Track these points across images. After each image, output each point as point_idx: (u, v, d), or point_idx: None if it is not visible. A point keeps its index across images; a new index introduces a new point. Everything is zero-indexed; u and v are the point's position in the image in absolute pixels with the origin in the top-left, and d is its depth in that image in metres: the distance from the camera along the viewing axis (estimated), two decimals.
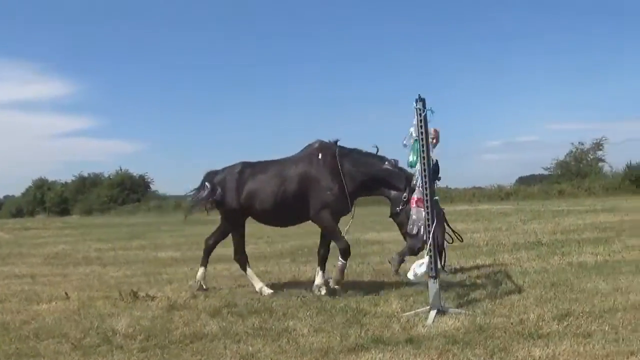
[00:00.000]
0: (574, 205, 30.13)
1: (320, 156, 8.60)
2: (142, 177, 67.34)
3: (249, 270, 9.11)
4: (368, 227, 19.96)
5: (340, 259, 8.43)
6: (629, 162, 46.92)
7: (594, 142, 53.38)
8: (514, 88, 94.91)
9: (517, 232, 16.60)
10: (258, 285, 8.87)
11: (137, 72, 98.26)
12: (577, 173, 50.47)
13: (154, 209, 56.23)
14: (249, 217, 9.11)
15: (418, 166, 7.27)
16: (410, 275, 7.38)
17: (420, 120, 7.08)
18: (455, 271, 10.19)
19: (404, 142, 7.62)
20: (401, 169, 8.48)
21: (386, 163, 8.50)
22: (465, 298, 7.67)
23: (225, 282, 9.98)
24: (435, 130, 9.92)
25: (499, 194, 46.32)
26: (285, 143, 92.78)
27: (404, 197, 8.27)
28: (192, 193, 9.38)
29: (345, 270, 8.63)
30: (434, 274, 6.94)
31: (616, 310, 6.61)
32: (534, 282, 8.42)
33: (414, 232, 7.60)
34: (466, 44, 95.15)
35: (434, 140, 9.50)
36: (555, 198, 40.61)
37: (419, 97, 7.09)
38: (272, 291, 8.65)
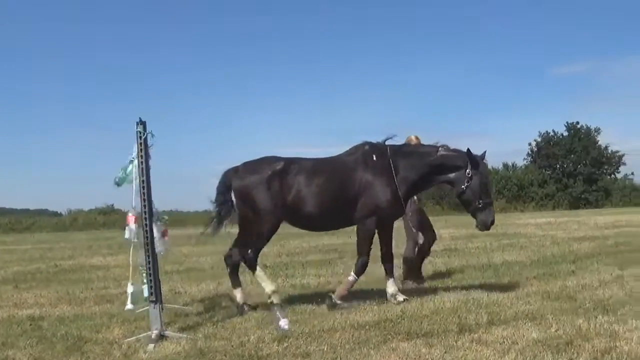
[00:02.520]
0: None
1: (374, 158, 8.18)
2: None
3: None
4: (94, 251, 19.29)
5: (354, 273, 8.32)
6: None
7: None
8: (251, 111, 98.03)
9: None
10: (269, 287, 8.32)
11: None
12: None
13: None
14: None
15: (125, 186, 7.22)
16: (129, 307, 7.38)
17: (141, 144, 6.94)
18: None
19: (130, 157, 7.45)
20: (456, 149, 8.38)
21: (440, 149, 8.31)
22: (187, 322, 7.62)
23: None
24: (417, 138, 9.97)
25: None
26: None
27: (468, 174, 8.07)
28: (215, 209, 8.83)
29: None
30: (154, 299, 6.81)
31: (335, 330, 6.88)
32: (255, 305, 8.53)
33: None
34: (203, 69, 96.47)
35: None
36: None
37: (140, 120, 6.96)
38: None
